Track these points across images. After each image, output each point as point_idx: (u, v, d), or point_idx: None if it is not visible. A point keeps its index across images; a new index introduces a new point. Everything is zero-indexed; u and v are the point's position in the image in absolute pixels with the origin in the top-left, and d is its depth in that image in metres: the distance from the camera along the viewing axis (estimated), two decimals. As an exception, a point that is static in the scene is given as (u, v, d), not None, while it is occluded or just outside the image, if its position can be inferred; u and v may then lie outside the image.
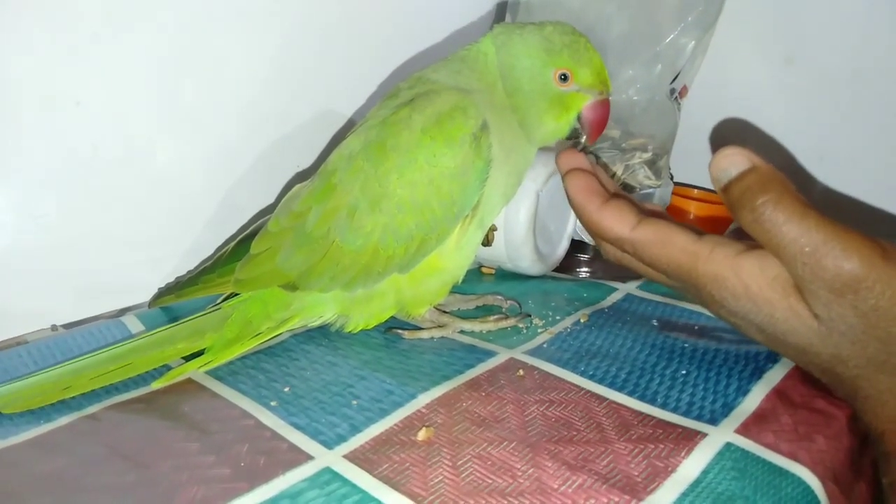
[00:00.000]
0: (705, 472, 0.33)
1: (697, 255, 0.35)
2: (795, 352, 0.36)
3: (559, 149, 0.61)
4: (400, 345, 0.47)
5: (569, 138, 0.47)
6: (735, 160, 0.34)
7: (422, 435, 0.35)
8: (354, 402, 0.39)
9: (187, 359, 0.44)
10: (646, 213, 0.39)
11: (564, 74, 0.43)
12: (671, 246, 0.36)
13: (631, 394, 0.40)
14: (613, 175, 0.63)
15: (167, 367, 0.43)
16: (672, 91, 0.63)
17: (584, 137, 0.46)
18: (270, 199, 0.60)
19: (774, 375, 0.41)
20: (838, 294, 0.31)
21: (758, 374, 0.41)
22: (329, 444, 0.35)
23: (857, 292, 0.31)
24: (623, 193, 0.43)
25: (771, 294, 0.34)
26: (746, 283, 0.34)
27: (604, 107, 0.45)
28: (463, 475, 0.32)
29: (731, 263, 0.34)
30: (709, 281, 0.35)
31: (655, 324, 0.50)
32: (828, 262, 0.31)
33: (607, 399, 0.39)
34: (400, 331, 0.48)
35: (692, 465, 0.33)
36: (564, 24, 0.45)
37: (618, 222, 0.38)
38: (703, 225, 0.68)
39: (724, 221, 0.69)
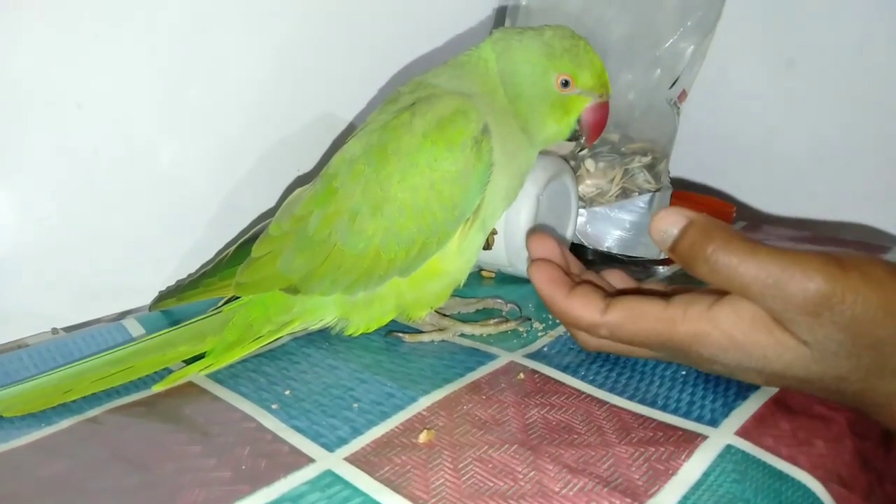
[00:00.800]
0: (706, 475, 0.33)
1: (673, 319, 0.36)
2: (798, 383, 0.36)
3: (558, 153, 0.61)
4: (400, 348, 0.47)
5: (570, 139, 0.47)
6: (671, 220, 0.35)
7: (423, 437, 0.36)
8: (355, 405, 0.39)
9: (188, 362, 0.44)
10: (612, 292, 0.40)
11: (565, 79, 0.44)
12: (644, 319, 0.37)
13: (631, 397, 0.40)
14: (612, 180, 0.63)
15: (168, 371, 0.43)
16: (671, 95, 0.63)
17: (584, 139, 0.47)
18: (271, 203, 0.60)
19: (772, 388, 0.41)
20: (815, 315, 0.32)
21: (755, 385, 0.41)
22: (330, 447, 0.35)
23: (831, 308, 0.31)
24: (589, 278, 0.44)
25: (756, 336, 0.34)
26: (729, 332, 0.34)
27: (603, 109, 0.46)
28: (464, 478, 0.32)
29: (708, 318, 0.35)
30: (692, 341, 0.36)
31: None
32: (793, 288, 0.31)
33: (608, 403, 0.39)
34: (400, 334, 0.48)
35: (693, 467, 0.33)
36: (563, 27, 0.45)
37: (586, 309, 0.38)
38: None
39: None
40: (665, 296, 0.38)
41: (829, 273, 0.31)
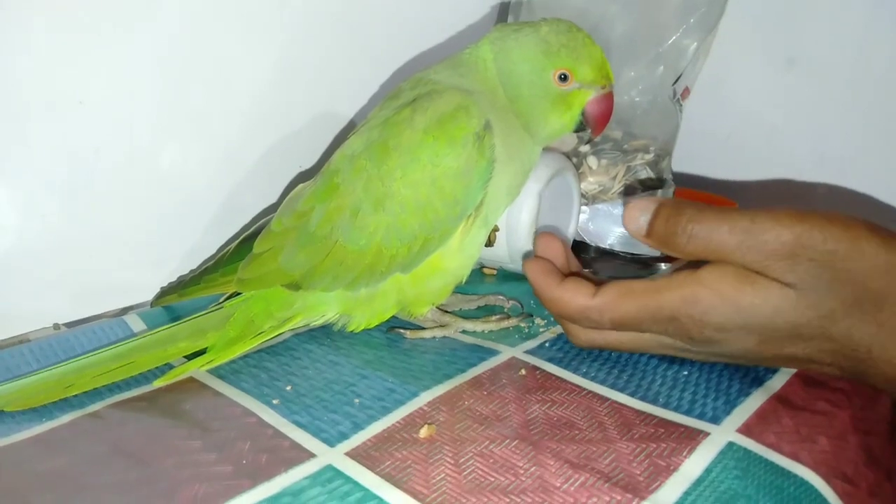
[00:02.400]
0: (708, 471, 0.33)
1: (659, 289, 0.37)
2: (791, 342, 0.36)
3: (561, 149, 0.61)
4: (402, 344, 0.47)
5: (575, 132, 0.47)
6: (641, 206, 0.38)
7: (424, 432, 0.36)
8: (356, 401, 0.39)
9: (189, 357, 0.44)
10: (602, 281, 0.41)
11: (564, 74, 0.43)
12: (632, 294, 0.38)
13: (633, 394, 0.40)
14: (615, 177, 0.63)
15: (169, 366, 0.43)
16: (674, 93, 0.63)
17: (590, 132, 0.46)
18: (273, 199, 0.60)
19: (775, 383, 0.41)
20: (791, 256, 0.34)
21: (758, 381, 0.41)
22: (331, 442, 0.35)
23: (804, 246, 0.33)
24: (581, 272, 0.46)
25: (742, 286, 0.35)
26: (716, 288, 0.36)
27: (607, 100, 0.45)
28: (465, 473, 0.32)
29: (694, 279, 0.36)
30: (681, 305, 0.37)
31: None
32: (768, 238, 0.34)
33: (609, 399, 0.39)
34: (402, 330, 0.48)
35: (694, 463, 0.33)
36: (561, 20, 0.45)
37: (577, 294, 0.40)
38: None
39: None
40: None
41: (796, 217, 0.34)
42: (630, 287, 0.38)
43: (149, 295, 0.53)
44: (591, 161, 0.63)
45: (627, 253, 0.63)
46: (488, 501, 0.31)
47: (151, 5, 0.49)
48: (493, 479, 0.32)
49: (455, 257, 0.45)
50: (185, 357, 0.44)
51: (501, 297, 0.53)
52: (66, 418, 0.39)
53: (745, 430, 0.36)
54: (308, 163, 0.63)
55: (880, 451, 0.37)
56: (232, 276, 0.46)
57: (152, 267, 0.54)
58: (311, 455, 0.34)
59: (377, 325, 0.47)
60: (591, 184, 0.63)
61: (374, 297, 0.45)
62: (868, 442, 0.37)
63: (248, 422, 0.37)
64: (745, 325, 0.36)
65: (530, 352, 0.45)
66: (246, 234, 0.49)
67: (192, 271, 0.51)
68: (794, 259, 0.34)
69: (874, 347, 0.34)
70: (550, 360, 0.44)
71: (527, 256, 0.56)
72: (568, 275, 0.42)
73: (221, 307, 0.46)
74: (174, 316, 0.50)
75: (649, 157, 0.63)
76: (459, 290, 0.51)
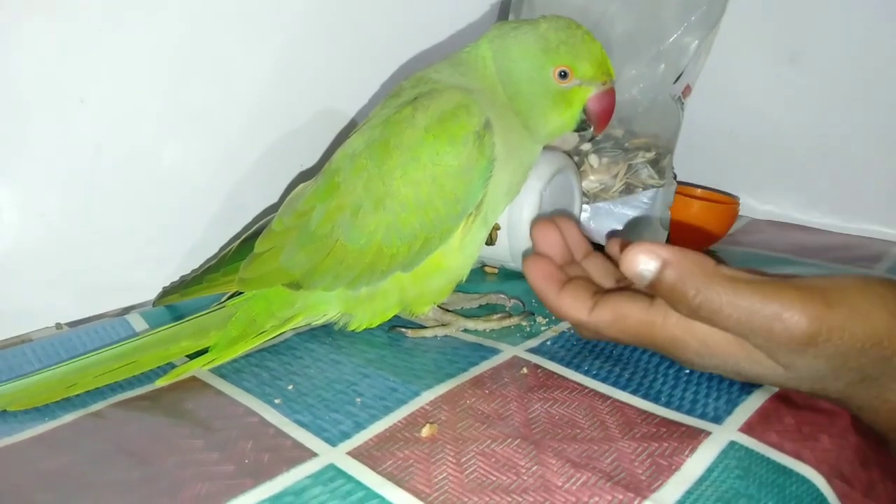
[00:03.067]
0: (710, 471, 0.33)
1: (653, 324, 0.37)
2: (774, 385, 0.37)
3: (562, 148, 0.61)
4: (403, 343, 0.47)
5: (576, 130, 0.46)
6: (643, 263, 0.33)
7: (426, 432, 0.36)
8: (358, 400, 0.39)
9: (191, 357, 0.44)
10: (601, 289, 0.40)
11: (564, 72, 0.43)
12: (627, 320, 0.37)
13: (634, 392, 0.40)
14: (616, 175, 0.63)
15: (171, 365, 0.44)
16: (675, 90, 0.63)
17: (592, 129, 0.46)
18: (274, 199, 0.60)
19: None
20: (799, 352, 0.32)
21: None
22: (333, 442, 0.35)
23: (816, 346, 0.31)
24: (591, 264, 0.45)
25: (731, 348, 0.35)
26: (705, 341, 0.35)
27: (609, 96, 0.45)
28: (467, 472, 0.32)
29: (686, 326, 0.35)
30: (670, 345, 0.37)
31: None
32: (777, 329, 0.31)
33: (611, 398, 0.39)
34: (403, 329, 0.48)
35: (696, 463, 0.33)
36: (560, 17, 0.44)
37: (574, 308, 0.39)
38: (704, 225, 0.68)
39: (727, 219, 0.69)
40: (649, 297, 0.38)
41: (815, 313, 0.31)
42: (625, 313, 0.37)
43: (151, 294, 0.53)
44: (593, 159, 0.63)
45: (629, 251, 0.63)
46: (490, 500, 0.31)
47: (152, 4, 0.49)
48: (494, 479, 0.32)
49: (456, 256, 0.45)
50: (187, 356, 0.44)
51: (503, 296, 0.53)
52: (68, 418, 0.39)
53: (747, 428, 0.36)
54: (309, 162, 0.63)
55: (875, 452, 0.37)
56: (234, 276, 0.46)
57: (154, 266, 0.54)
58: (313, 454, 0.34)
59: (379, 324, 0.47)
60: (592, 182, 0.63)
61: (376, 297, 0.45)
62: (865, 443, 0.37)
63: (250, 421, 0.37)
64: (731, 372, 0.36)
65: (532, 350, 0.45)
66: (248, 233, 0.49)
67: (193, 271, 0.51)
68: (801, 354, 0.32)
69: (867, 410, 0.35)
70: (552, 358, 0.44)
71: (527, 253, 0.56)
72: (570, 279, 0.41)
73: (223, 306, 0.46)
74: (176, 315, 0.50)
75: (650, 155, 0.63)
76: (461, 288, 0.51)
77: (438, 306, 0.49)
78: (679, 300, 0.33)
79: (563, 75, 0.44)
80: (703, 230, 0.68)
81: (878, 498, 0.36)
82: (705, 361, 0.36)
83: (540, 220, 0.46)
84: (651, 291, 0.35)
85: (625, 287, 0.41)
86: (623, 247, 0.37)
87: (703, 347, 0.35)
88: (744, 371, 0.36)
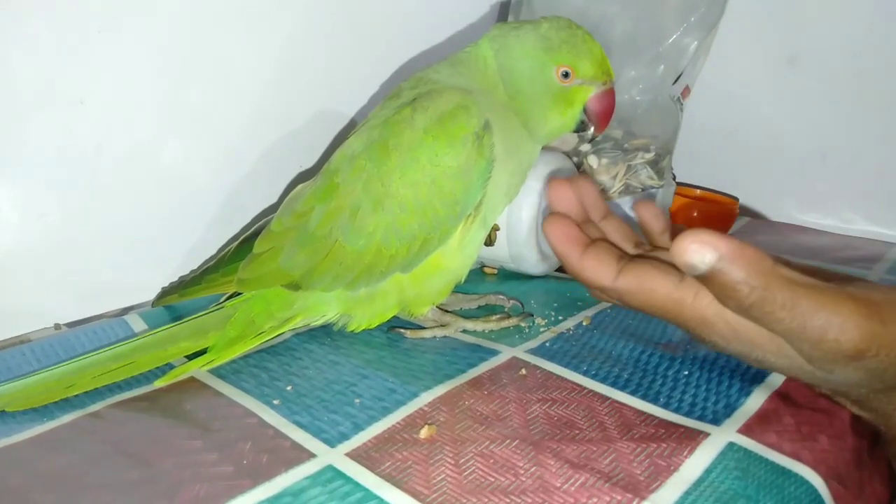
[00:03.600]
0: (708, 472, 0.33)
1: (682, 301, 0.35)
2: (797, 379, 0.36)
3: (561, 148, 0.61)
4: (402, 344, 0.47)
5: (576, 131, 0.47)
6: (698, 253, 0.30)
7: (424, 433, 0.36)
8: (357, 401, 0.39)
9: (190, 357, 0.44)
10: (627, 255, 0.38)
11: (566, 71, 0.44)
12: (654, 294, 0.36)
13: (633, 393, 0.40)
14: (616, 176, 0.63)
15: (170, 366, 0.44)
16: (675, 91, 0.63)
17: (592, 129, 0.46)
18: (273, 199, 0.60)
19: (776, 378, 0.41)
20: (842, 363, 0.31)
21: (760, 376, 0.41)
22: (331, 443, 0.35)
23: (861, 360, 0.30)
24: (610, 227, 0.43)
25: (761, 339, 0.33)
26: (735, 328, 0.34)
27: (609, 96, 0.45)
28: (465, 473, 0.32)
29: (718, 310, 0.34)
30: (696, 325, 0.35)
31: (658, 324, 0.50)
32: (829, 338, 0.30)
33: (610, 398, 0.39)
34: (402, 330, 0.48)
35: (695, 464, 0.33)
36: (561, 18, 0.45)
37: (598, 273, 0.37)
38: (705, 224, 0.68)
39: (727, 220, 0.69)
40: (679, 273, 0.36)
41: (869, 330, 0.29)
42: (653, 285, 0.35)
43: (150, 295, 0.53)
44: (592, 160, 0.63)
45: (628, 252, 0.63)
46: (489, 502, 0.31)
47: (152, 4, 0.49)
48: (493, 480, 0.32)
49: (455, 257, 0.45)
50: (185, 357, 0.44)
51: (502, 297, 0.53)
52: (66, 418, 0.39)
53: (746, 430, 0.36)
54: (308, 162, 0.63)
55: (868, 453, 0.38)
56: (232, 276, 0.46)
57: (153, 266, 0.54)
58: (312, 455, 0.34)
59: (378, 325, 0.47)
60: (591, 183, 0.63)
61: (375, 297, 0.45)
62: (861, 443, 0.37)
63: (249, 422, 0.37)
64: (753, 360, 0.35)
65: (531, 351, 0.45)
66: (246, 234, 0.49)
67: (192, 271, 0.51)
68: (843, 366, 0.31)
69: (881, 413, 0.35)
70: (551, 359, 0.44)
71: (528, 255, 0.56)
72: (593, 241, 0.39)
73: (222, 307, 0.46)
74: (175, 316, 0.50)
75: (650, 156, 0.63)
76: (460, 289, 0.51)
77: (437, 307, 0.49)
78: (730, 296, 0.31)
79: (566, 75, 0.44)
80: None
81: (866, 499, 0.36)
82: (730, 346, 0.35)
83: (555, 179, 0.44)
84: (700, 282, 0.33)
85: (647, 254, 0.39)
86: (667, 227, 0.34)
87: (731, 333, 0.34)
88: (767, 362, 0.34)
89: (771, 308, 0.30)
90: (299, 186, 0.48)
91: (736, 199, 0.74)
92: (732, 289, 0.30)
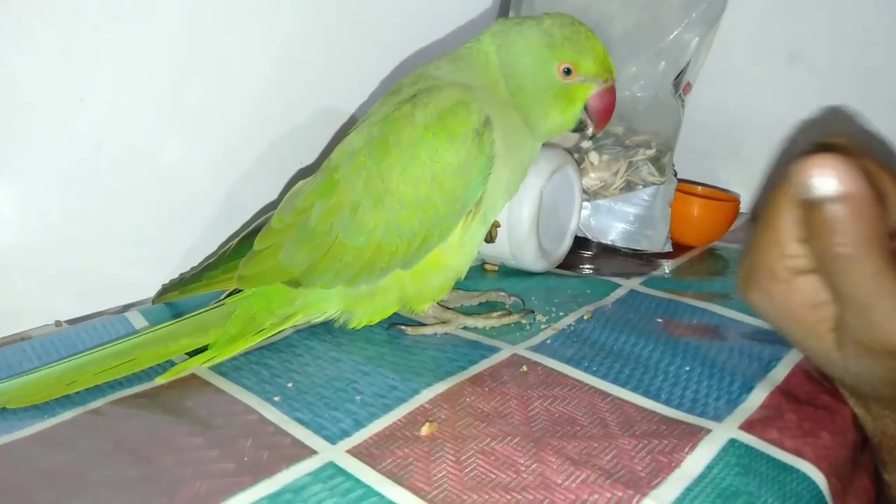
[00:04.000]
0: (709, 468, 0.33)
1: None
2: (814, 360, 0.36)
3: (562, 145, 0.61)
4: (403, 341, 0.47)
5: (575, 130, 0.46)
6: (825, 179, 0.28)
7: (425, 430, 0.35)
8: (358, 398, 0.39)
9: (191, 354, 0.44)
10: None
11: (568, 68, 0.43)
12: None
13: (634, 390, 0.40)
14: (616, 172, 0.63)
15: (171, 363, 0.44)
16: (676, 87, 0.63)
17: (592, 127, 0.46)
18: (274, 196, 0.60)
19: (778, 374, 0.41)
20: (876, 355, 0.30)
21: (762, 372, 0.41)
22: (332, 439, 0.35)
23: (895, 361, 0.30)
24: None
25: (802, 311, 0.33)
26: (791, 284, 0.33)
27: (610, 94, 0.45)
28: (466, 470, 0.32)
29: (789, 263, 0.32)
30: (760, 269, 0.33)
31: (659, 321, 0.50)
32: (885, 326, 0.29)
33: (611, 395, 0.39)
34: (403, 327, 0.48)
35: (696, 460, 0.33)
36: (563, 15, 0.45)
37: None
38: (705, 223, 0.68)
39: (727, 220, 0.69)
40: None
41: None
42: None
43: (150, 292, 0.53)
44: (593, 157, 0.63)
45: (629, 249, 0.63)
46: (490, 498, 0.31)
47: (152, 3, 0.49)
48: (494, 476, 0.32)
49: (455, 254, 0.45)
50: (186, 354, 0.44)
51: (503, 294, 0.52)
52: (67, 415, 0.39)
53: (748, 426, 0.36)
54: (309, 159, 0.63)
55: (861, 449, 0.38)
56: (233, 273, 0.46)
57: (153, 264, 0.54)
58: (313, 452, 0.34)
59: (378, 322, 0.47)
60: (592, 179, 0.63)
61: (375, 294, 0.45)
62: (857, 440, 0.37)
63: (250, 419, 0.37)
64: (776, 326, 0.35)
65: (532, 348, 0.45)
66: (247, 231, 0.49)
67: (193, 268, 0.51)
68: (874, 355, 0.30)
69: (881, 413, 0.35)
70: (552, 356, 0.44)
71: (529, 252, 0.55)
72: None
73: (223, 304, 0.46)
74: (176, 313, 0.50)
75: (651, 152, 0.63)
76: (461, 286, 0.51)
77: (438, 304, 0.49)
78: (823, 236, 0.29)
79: (567, 72, 0.44)
80: (704, 228, 0.68)
81: (858, 496, 0.36)
82: (770, 306, 0.33)
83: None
84: (803, 203, 0.29)
85: None
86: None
87: (784, 291, 0.32)
88: (793, 336, 0.34)
89: (852, 273, 0.28)
90: (300, 183, 0.48)
91: (737, 196, 0.73)
92: (830, 230, 0.28)
